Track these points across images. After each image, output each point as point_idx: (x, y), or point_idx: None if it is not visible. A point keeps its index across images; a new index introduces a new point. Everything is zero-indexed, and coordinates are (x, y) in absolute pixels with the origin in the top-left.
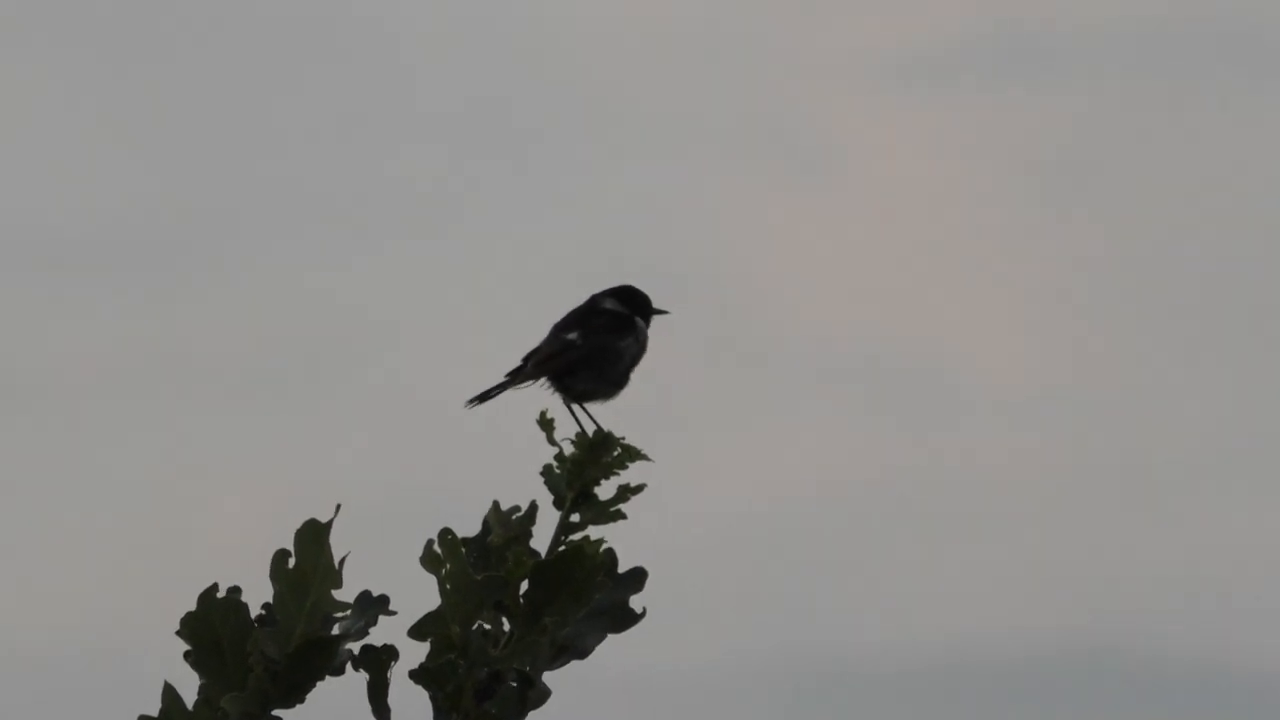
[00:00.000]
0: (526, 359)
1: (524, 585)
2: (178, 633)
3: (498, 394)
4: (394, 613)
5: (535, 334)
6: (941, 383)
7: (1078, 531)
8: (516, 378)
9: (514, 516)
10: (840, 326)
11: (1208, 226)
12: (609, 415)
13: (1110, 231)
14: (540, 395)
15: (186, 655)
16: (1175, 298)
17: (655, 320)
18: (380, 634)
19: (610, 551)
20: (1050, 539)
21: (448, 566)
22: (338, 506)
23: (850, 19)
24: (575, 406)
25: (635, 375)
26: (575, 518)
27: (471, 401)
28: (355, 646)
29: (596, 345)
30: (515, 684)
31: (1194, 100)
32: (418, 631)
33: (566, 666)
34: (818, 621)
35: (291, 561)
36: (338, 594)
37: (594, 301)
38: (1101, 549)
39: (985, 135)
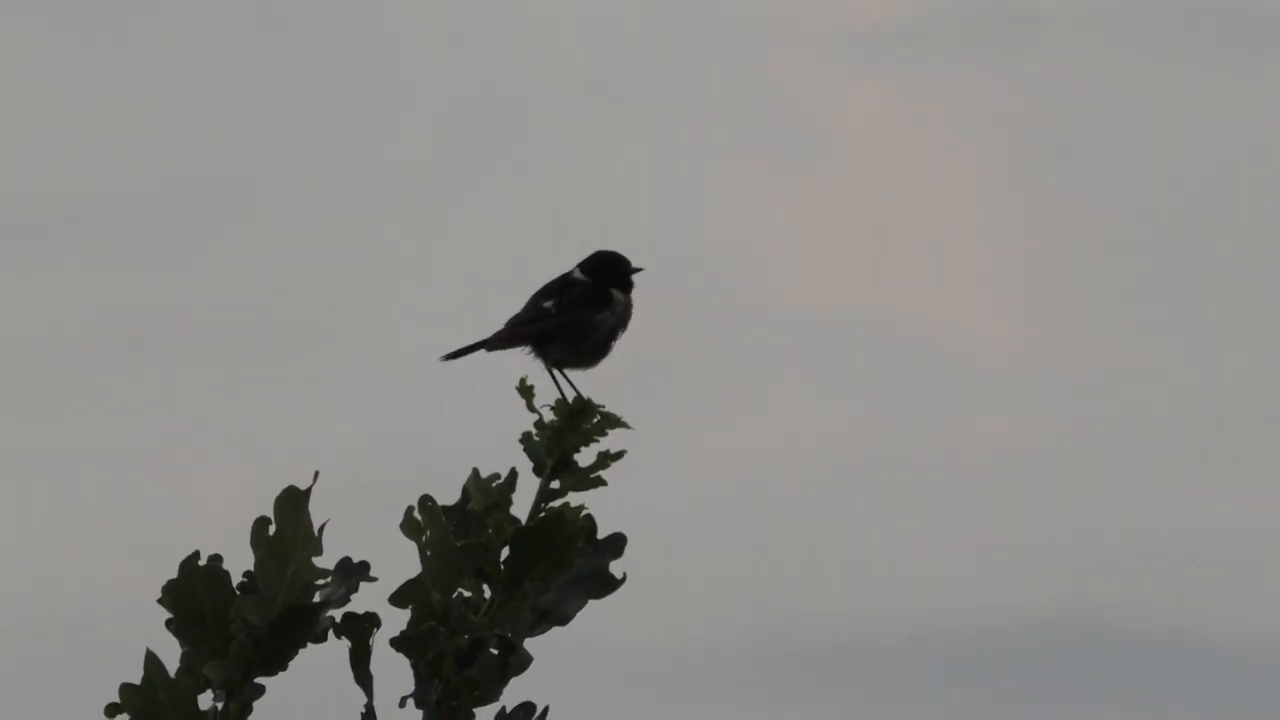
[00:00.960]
0: (508, 324)
1: (504, 552)
2: (159, 601)
3: (473, 351)
4: (375, 579)
5: (518, 302)
6: (926, 358)
7: (1061, 508)
8: (492, 340)
9: (494, 484)
10: (824, 299)
11: (1196, 202)
12: (591, 382)
13: (1098, 206)
14: (521, 362)
15: (168, 623)
16: (1162, 276)
17: (638, 279)
18: (361, 601)
19: (590, 518)
20: (1033, 516)
21: (428, 533)
22: (316, 473)
23: None
24: (556, 373)
25: (618, 344)
26: (555, 484)
27: (446, 357)
28: (337, 614)
29: (572, 318)
30: (496, 651)
31: (1181, 73)
32: (398, 599)
33: (548, 633)
34: (798, 589)
35: (272, 529)
36: (318, 561)
37: (572, 271)
38: (1084, 526)
39: (973, 107)
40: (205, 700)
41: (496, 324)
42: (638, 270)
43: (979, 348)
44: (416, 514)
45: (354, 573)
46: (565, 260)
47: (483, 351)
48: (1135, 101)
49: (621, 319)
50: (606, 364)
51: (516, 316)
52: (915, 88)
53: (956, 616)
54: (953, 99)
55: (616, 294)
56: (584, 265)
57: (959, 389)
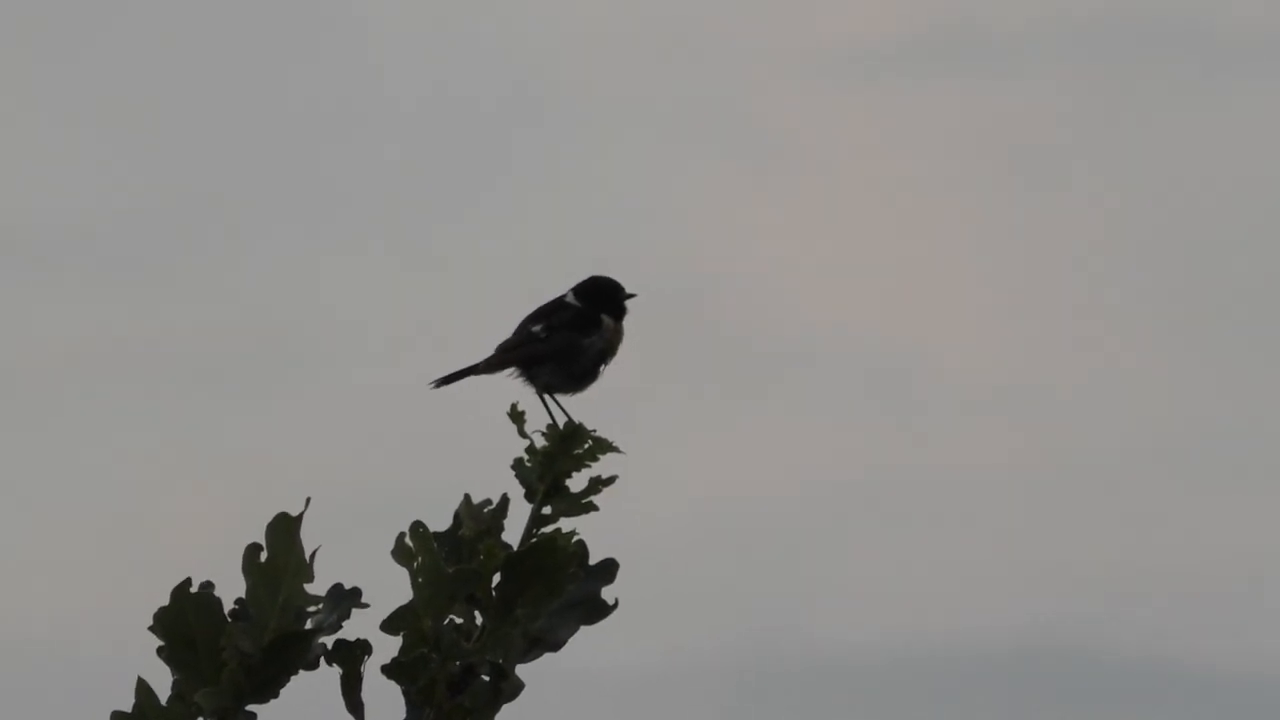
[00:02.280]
0: (498, 349)
1: (496, 578)
2: (151, 628)
3: (463, 377)
4: (367, 606)
5: (507, 327)
6: (913, 381)
7: (1045, 532)
8: (482, 365)
9: (485, 509)
10: (810, 321)
11: (1180, 221)
12: (581, 407)
13: (1083, 226)
14: (512, 387)
15: (160, 651)
16: (1146, 298)
17: (642, 303)
18: (353, 628)
19: (581, 543)
20: (1021, 537)
21: (419, 560)
22: (308, 500)
23: (817, 13)
24: (547, 398)
25: (608, 368)
26: (547, 510)
27: (437, 383)
28: (328, 640)
29: (560, 341)
30: (488, 677)
31: (1157, 90)
32: (390, 625)
33: (540, 659)
34: (789, 614)
35: (263, 555)
36: (310, 588)
37: (565, 295)
38: (1066, 549)
39: (951, 128)
40: None
41: (487, 349)
42: (631, 296)
43: (964, 371)
44: (408, 540)
45: (346, 599)
46: (555, 284)
47: (473, 377)
48: (1116, 118)
49: (610, 344)
50: (595, 388)
51: (506, 341)
52: (898, 108)
53: (942, 638)
54: (936, 118)
55: (606, 319)
56: (577, 289)
57: (945, 412)
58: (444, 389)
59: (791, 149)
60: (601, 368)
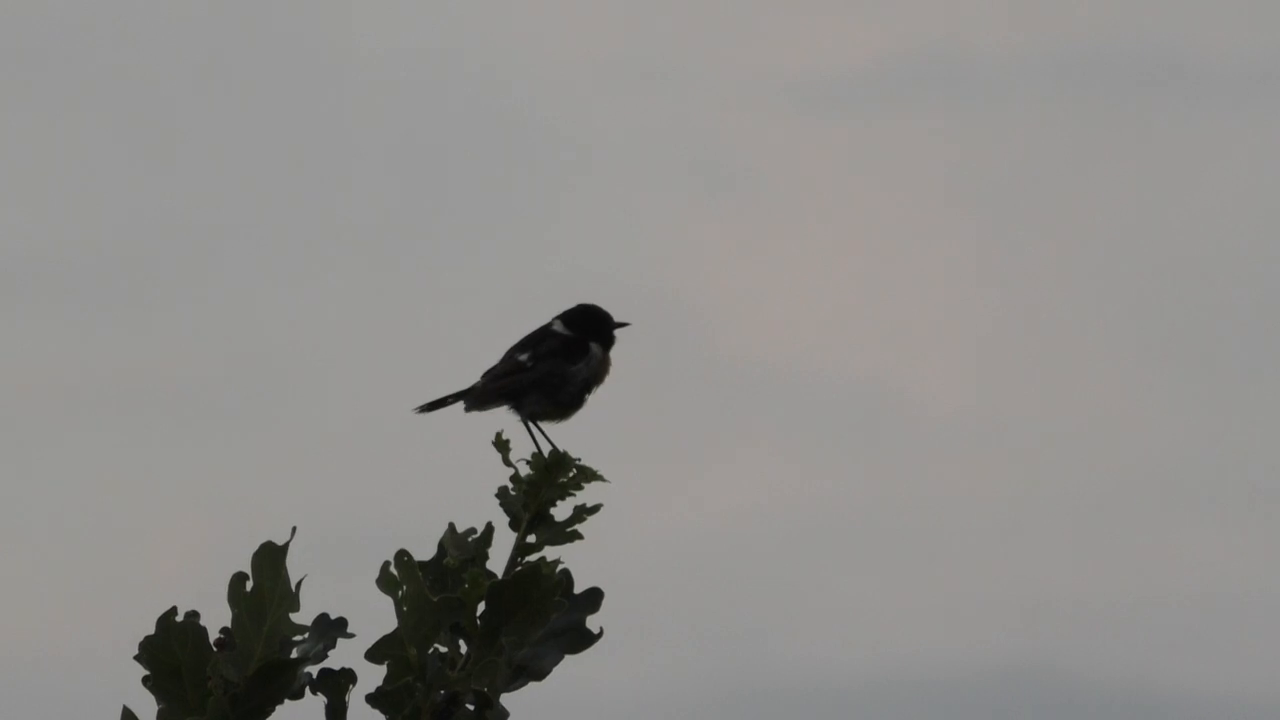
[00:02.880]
0: (484, 377)
1: (481, 607)
2: (136, 657)
3: (448, 404)
4: (352, 635)
5: (490, 356)
6: (889, 410)
7: (1021, 558)
8: (468, 394)
9: (470, 538)
10: (790, 353)
11: (1150, 251)
12: (566, 436)
13: (1060, 256)
14: (497, 414)
15: (145, 680)
16: (1117, 324)
17: (620, 333)
18: (338, 657)
19: (566, 572)
20: (992, 566)
21: (404, 588)
22: (294, 529)
23: (794, 44)
24: (532, 425)
25: (594, 396)
26: (531, 539)
27: (422, 409)
28: (314, 669)
29: (546, 369)
30: (472, 706)
31: (1128, 122)
32: (375, 654)
33: (524, 688)
34: (775, 642)
35: (249, 584)
36: (295, 617)
37: (552, 323)
38: (1042, 576)
39: (928, 159)
40: None
41: (473, 377)
42: (622, 325)
43: (939, 400)
44: (393, 569)
45: (331, 629)
46: (526, 311)
47: (459, 407)
48: (1093, 150)
49: (595, 372)
50: (581, 416)
51: (493, 369)
52: (877, 138)
53: (925, 665)
54: (914, 149)
55: (595, 347)
56: (564, 317)
57: (925, 441)
58: (428, 415)
59: (765, 179)
60: (587, 396)
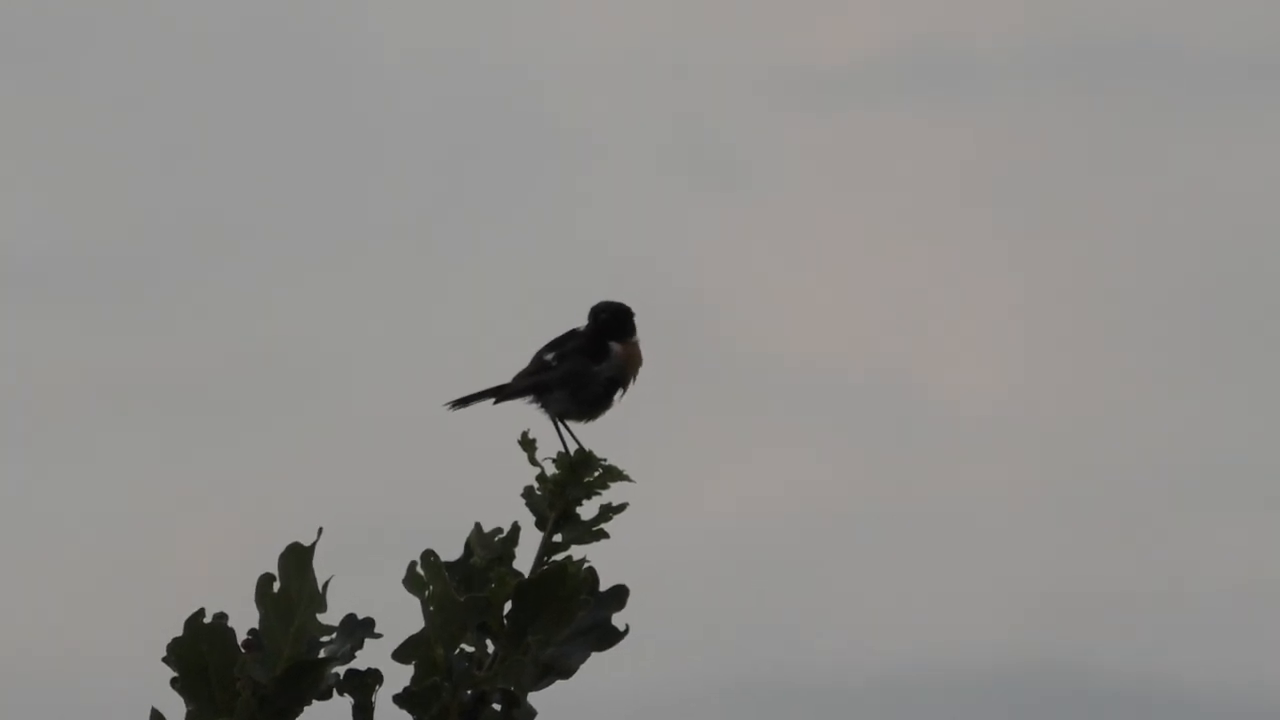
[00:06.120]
0: (516, 378)
1: (507, 606)
2: (164, 659)
3: (479, 400)
4: (379, 635)
5: (519, 355)
6: (908, 407)
7: (1039, 555)
8: (498, 391)
9: (496, 538)
10: (812, 349)
11: (1158, 242)
12: (593, 435)
13: (1065, 249)
14: (523, 414)
15: (173, 682)
16: (1130, 318)
17: (641, 331)
18: (364, 657)
19: (592, 570)
20: (1010, 562)
21: (431, 588)
22: (320, 530)
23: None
24: (560, 425)
25: (628, 394)
26: (557, 538)
27: (453, 404)
28: (341, 670)
29: (569, 369)
30: (500, 706)
31: (1129, 114)
32: (402, 654)
33: (551, 687)
34: (802, 638)
35: (276, 586)
36: (323, 618)
37: (581, 324)
38: (1060, 572)
39: (936, 151)
40: None
41: (504, 376)
42: (630, 313)
43: (959, 396)
44: (419, 569)
45: (358, 629)
46: (553, 307)
47: (488, 403)
48: (1094, 140)
49: (622, 370)
50: (609, 416)
51: (523, 371)
52: (885, 131)
53: (942, 661)
54: (921, 141)
55: (614, 345)
56: (596, 313)
57: (942, 437)
58: (457, 413)
59: (772, 173)
60: (618, 394)
